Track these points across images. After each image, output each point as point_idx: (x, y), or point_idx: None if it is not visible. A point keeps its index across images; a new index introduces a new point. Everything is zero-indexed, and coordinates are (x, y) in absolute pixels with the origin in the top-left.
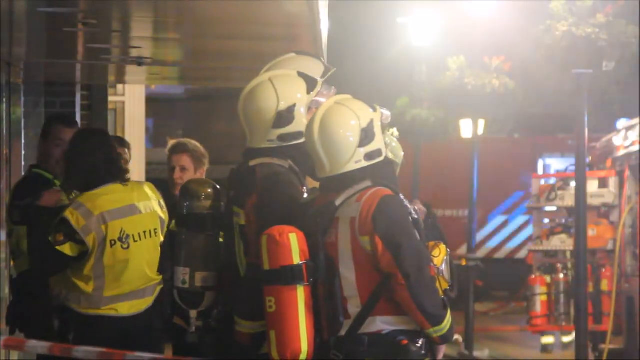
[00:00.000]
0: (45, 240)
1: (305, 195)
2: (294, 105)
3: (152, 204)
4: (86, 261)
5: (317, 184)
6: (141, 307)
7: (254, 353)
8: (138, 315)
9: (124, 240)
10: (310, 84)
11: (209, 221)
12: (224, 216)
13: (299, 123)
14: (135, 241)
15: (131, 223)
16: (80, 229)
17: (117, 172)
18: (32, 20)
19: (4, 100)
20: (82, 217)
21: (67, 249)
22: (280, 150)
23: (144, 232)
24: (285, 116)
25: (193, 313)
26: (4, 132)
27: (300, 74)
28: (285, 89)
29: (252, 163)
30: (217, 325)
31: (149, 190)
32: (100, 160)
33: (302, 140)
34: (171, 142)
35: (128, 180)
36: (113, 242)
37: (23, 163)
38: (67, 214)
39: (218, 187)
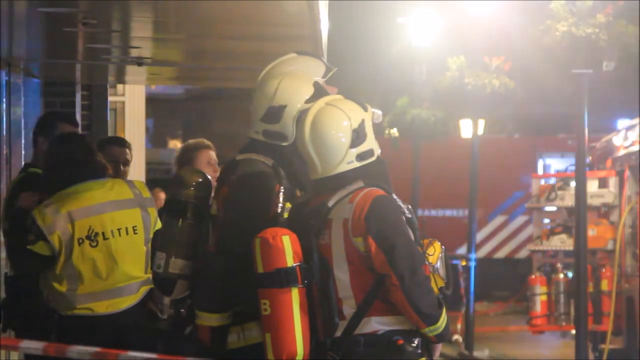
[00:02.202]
0: (21, 240)
1: (282, 193)
2: (285, 106)
3: (134, 201)
4: (57, 260)
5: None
6: (120, 306)
7: (217, 348)
8: (117, 314)
9: (92, 238)
10: (316, 95)
11: (190, 209)
12: (209, 208)
13: (285, 125)
14: (105, 239)
15: (101, 221)
16: (46, 227)
17: (91, 170)
18: (32, 20)
19: (4, 100)
20: (49, 216)
21: (39, 248)
22: (266, 147)
23: (119, 229)
24: (273, 114)
25: (166, 300)
26: (4, 132)
27: (315, 84)
28: (285, 89)
29: (239, 157)
30: (189, 315)
31: (135, 188)
32: (72, 159)
33: (284, 143)
34: (191, 141)
35: (108, 177)
36: (81, 241)
37: (23, 163)
38: (35, 212)
39: (209, 178)
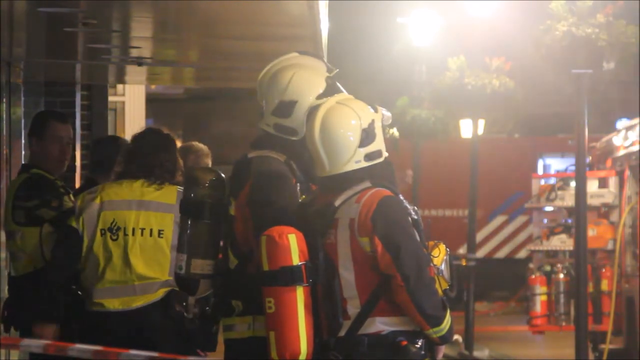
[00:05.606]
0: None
1: (299, 188)
2: (296, 101)
3: (174, 208)
4: (82, 249)
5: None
6: (133, 304)
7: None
8: (130, 311)
9: (114, 231)
10: (328, 91)
11: (207, 209)
12: (226, 206)
13: (296, 120)
14: (126, 235)
15: (126, 217)
16: (78, 209)
17: (146, 170)
18: (32, 20)
19: (4, 100)
20: (85, 201)
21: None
22: (277, 142)
23: (142, 229)
24: (285, 108)
25: (191, 300)
26: (4, 132)
27: (328, 80)
28: (297, 83)
29: (251, 155)
30: (213, 313)
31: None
32: (135, 155)
33: (295, 138)
34: (184, 145)
35: (161, 181)
36: (103, 232)
37: (23, 163)
38: (80, 195)
39: (223, 176)
